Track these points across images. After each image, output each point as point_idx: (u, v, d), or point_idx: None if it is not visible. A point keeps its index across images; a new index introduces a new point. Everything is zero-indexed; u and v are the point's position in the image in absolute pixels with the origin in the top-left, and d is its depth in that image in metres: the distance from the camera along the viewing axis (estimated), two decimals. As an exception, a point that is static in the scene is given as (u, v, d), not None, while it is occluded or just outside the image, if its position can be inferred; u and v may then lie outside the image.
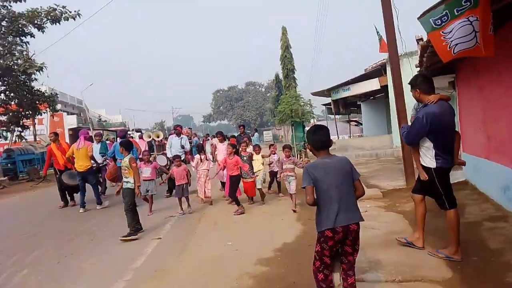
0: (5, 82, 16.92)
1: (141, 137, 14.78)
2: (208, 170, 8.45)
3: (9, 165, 17.93)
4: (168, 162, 10.05)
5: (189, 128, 32.24)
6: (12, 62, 15.84)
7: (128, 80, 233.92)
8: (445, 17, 3.71)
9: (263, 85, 69.10)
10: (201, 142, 16.10)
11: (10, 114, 17.87)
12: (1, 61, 15.50)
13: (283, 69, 20.99)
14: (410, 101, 5.33)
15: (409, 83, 4.14)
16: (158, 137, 14.12)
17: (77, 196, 9.11)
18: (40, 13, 16.06)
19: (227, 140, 9.41)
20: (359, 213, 2.83)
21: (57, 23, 16.57)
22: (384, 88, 15.99)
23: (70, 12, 16.35)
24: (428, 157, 3.86)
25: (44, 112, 20.19)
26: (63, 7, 16.18)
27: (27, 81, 17.69)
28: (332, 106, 20.62)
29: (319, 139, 2.95)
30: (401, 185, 7.79)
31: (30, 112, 18.36)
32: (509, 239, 4.17)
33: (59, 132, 31.06)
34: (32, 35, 17.14)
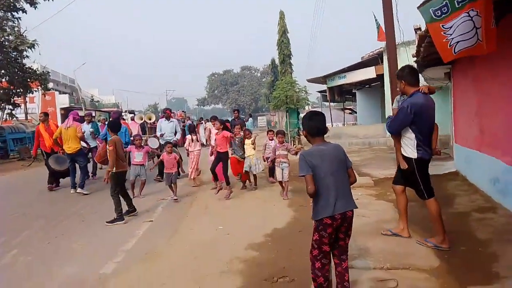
0: (-4, 59, 16.57)
1: (133, 119, 14.60)
2: (200, 150, 8.48)
3: (0, 143, 17.70)
4: (160, 145, 9.88)
5: (182, 111, 32.08)
6: (3, 38, 15.49)
7: (122, 61, 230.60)
8: (445, 8, 3.67)
9: (258, 70, 68.60)
10: (194, 124, 15.95)
11: (1, 91, 17.56)
12: (-8, 37, 15.16)
13: (280, 54, 20.75)
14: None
15: (395, 74, 4.18)
16: (150, 119, 13.92)
17: (63, 180, 8.95)
18: (32, -13, 15.65)
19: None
20: (353, 200, 2.86)
21: (50, -1, 16.17)
22: (380, 77, 15.94)
23: (63, -13, 15.96)
24: (410, 147, 3.91)
25: (35, 91, 19.84)
26: (57, -19, 15.79)
27: (19, 58, 17.36)
28: (327, 93, 20.57)
29: (315, 125, 2.90)
30: (392, 174, 7.68)
31: (21, 90, 18.08)
32: (497, 230, 4.24)
33: (50, 111, 30.64)
34: (24, 11, 16.71)
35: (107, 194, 5.91)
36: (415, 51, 8.11)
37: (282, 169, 6.83)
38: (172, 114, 11.03)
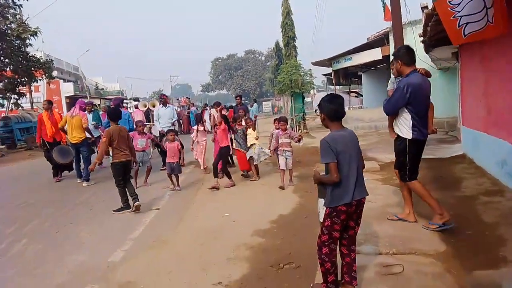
0: (-1, 48, 16.56)
1: (137, 107, 14.58)
2: (206, 140, 8.44)
3: (6, 133, 17.85)
4: (159, 134, 9.69)
5: (187, 97, 32.02)
6: (5, 26, 15.43)
7: (126, 48, 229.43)
8: (452, -18, 3.56)
9: (263, 53, 67.88)
10: (200, 112, 15.88)
11: (6, 81, 17.61)
12: (-6, 25, 15.11)
13: (284, 37, 20.41)
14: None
15: (392, 54, 4.16)
16: (154, 106, 13.91)
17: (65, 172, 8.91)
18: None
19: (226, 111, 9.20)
20: (365, 187, 2.86)
21: (51, -15, 16.01)
22: (386, 58, 15.66)
23: (64, -26, 15.76)
24: (405, 127, 3.90)
25: (40, 79, 19.89)
26: (57, -33, 15.61)
27: (22, 46, 17.31)
28: (332, 77, 20.32)
29: (335, 109, 2.80)
30: (399, 158, 7.78)
31: (26, 79, 18.11)
32: (504, 213, 4.20)
33: (55, 100, 30.68)
34: (25, -3, 16.57)
35: (114, 183, 5.93)
36: (421, 31, 7.94)
37: (286, 158, 6.63)
38: (168, 100, 10.80)
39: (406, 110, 3.85)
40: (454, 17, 3.62)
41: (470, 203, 4.70)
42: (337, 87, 22.29)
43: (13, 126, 17.79)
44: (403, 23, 8.27)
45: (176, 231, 4.83)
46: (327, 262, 2.77)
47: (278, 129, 6.93)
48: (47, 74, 18.59)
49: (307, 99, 39.60)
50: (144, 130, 7.84)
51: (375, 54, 16.38)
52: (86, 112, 9.27)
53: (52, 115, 8.66)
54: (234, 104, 11.37)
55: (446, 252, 3.42)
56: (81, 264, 4.02)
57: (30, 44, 17.54)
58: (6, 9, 16.20)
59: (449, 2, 3.59)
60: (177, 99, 34.56)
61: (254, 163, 7.48)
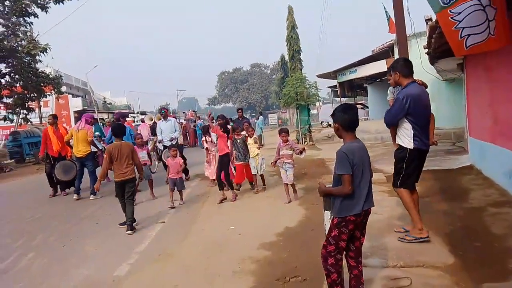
0: (10, 64, 16.88)
1: (143, 121, 14.65)
2: (215, 150, 8.46)
3: (15, 148, 18.08)
4: (163, 148, 9.59)
5: (193, 110, 32.21)
6: (16, 43, 15.78)
7: (133, 63, 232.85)
8: (454, -6, 3.58)
9: (268, 66, 68.46)
10: (207, 124, 15.92)
11: (16, 96, 17.91)
12: (5, 42, 15.45)
13: (289, 50, 20.63)
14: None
15: (390, 67, 4.20)
16: (160, 119, 14.02)
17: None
18: (43, -8, 15.88)
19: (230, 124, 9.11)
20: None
21: (60, 3, 16.40)
22: (391, 70, 15.72)
23: (74, -9, 16.17)
24: (407, 138, 3.92)
25: (49, 95, 20.19)
26: (67, -14, 15.99)
27: (32, 62, 17.64)
28: (338, 89, 20.41)
29: (350, 119, 2.79)
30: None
31: (35, 94, 18.40)
32: (513, 225, 4.14)
33: (64, 114, 31.04)
34: (35, 15, 16.97)
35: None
36: (426, 43, 7.98)
37: (286, 170, 6.39)
38: (169, 113, 10.79)
39: (407, 121, 3.88)
40: (455, 27, 3.63)
41: (478, 215, 4.64)
42: (342, 99, 22.36)
43: (22, 141, 18.03)
44: (407, 35, 8.28)
45: (182, 244, 4.82)
46: (333, 273, 2.74)
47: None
48: (56, 90, 18.89)
49: (313, 111, 39.64)
50: (149, 144, 7.81)
51: (380, 66, 16.44)
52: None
53: (57, 129, 8.64)
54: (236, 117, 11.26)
55: (454, 265, 3.37)
56: (86, 278, 4.02)
57: (40, 61, 17.90)
58: (17, 27, 16.59)
59: (450, 11, 3.60)
60: (184, 112, 34.83)
61: (260, 173, 7.44)
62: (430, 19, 9.18)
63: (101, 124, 13.88)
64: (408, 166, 3.93)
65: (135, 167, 5.72)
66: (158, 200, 7.50)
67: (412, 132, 3.86)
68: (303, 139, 17.27)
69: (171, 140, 9.22)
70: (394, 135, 4.11)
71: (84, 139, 8.14)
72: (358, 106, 28.59)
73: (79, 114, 32.01)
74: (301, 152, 6.43)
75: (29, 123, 19.88)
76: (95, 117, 12.57)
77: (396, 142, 4.07)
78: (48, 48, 16.30)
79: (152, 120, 13.98)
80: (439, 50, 7.46)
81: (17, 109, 18.34)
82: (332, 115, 2.89)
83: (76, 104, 36.23)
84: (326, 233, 2.86)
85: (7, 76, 17.21)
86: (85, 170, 8.38)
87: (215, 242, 4.73)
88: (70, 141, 8.35)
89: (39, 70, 18.14)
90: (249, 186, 7.80)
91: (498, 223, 4.25)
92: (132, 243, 4.96)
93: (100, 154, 9.66)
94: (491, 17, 3.36)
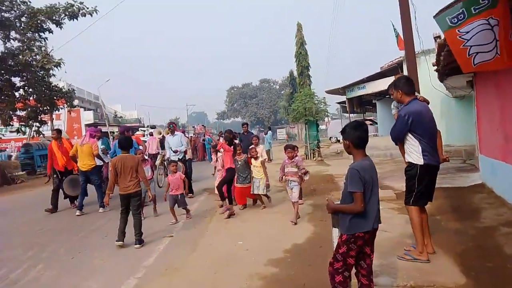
0: (24, 78, 17.27)
1: (151, 134, 14.70)
2: None
3: (27, 160, 18.35)
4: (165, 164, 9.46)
5: (202, 125, 32.43)
6: (31, 58, 16.16)
7: (144, 77, 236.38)
8: (462, 15, 3.63)
9: (277, 82, 68.88)
10: (217, 140, 15.98)
11: (29, 109, 18.25)
12: (20, 57, 15.82)
13: (298, 66, 20.73)
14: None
15: (392, 84, 4.27)
16: (168, 133, 14.12)
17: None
18: (58, 9, 16.28)
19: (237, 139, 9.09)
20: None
21: (74, 19, 16.80)
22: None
23: (87, 8, 16.56)
24: (415, 154, 3.92)
25: (61, 108, 20.54)
26: (81, 3, 16.38)
27: (46, 76, 18.01)
28: (346, 105, 20.40)
29: (361, 136, 2.81)
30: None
31: (48, 108, 18.72)
32: (526, 245, 4.06)
33: (76, 127, 31.41)
34: (50, 31, 17.40)
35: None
36: (435, 60, 7.99)
37: (292, 189, 6.17)
38: (177, 128, 10.82)
39: (412, 136, 3.90)
40: (463, 46, 3.66)
41: (490, 234, 4.56)
42: (351, 115, 22.32)
43: (34, 153, 18.33)
44: (416, 52, 8.30)
45: (189, 258, 4.81)
46: None
47: (296, 156, 6.48)
48: (68, 103, 19.21)
49: (322, 127, 39.61)
50: (158, 158, 7.68)
51: (389, 82, 16.41)
52: (95, 138, 8.97)
53: (61, 144, 8.64)
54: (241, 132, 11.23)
55: (466, 285, 3.31)
56: (94, 291, 4.03)
57: (54, 75, 18.27)
58: (32, 42, 17.02)
59: (458, 30, 3.63)
60: (193, 126, 35.06)
61: (262, 193, 7.26)
62: (439, 37, 9.20)
63: (112, 138, 14.00)
64: (420, 183, 3.90)
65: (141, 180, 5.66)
66: (166, 214, 7.48)
67: (420, 147, 3.86)
68: (312, 154, 17.24)
69: (175, 152, 9.22)
70: (403, 152, 4.11)
71: (89, 153, 8.16)
72: (367, 122, 28.53)
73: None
74: (305, 173, 6.30)
75: (41, 135, 20.19)
76: (104, 130, 12.61)
77: (406, 160, 4.06)
78: (61, 63, 16.66)
79: (160, 133, 14.07)
80: (448, 67, 7.47)
81: (30, 121, 18.66)
82: (342, 132, 2.91)
83: (87, 117, 36.79)
84: (334, 250, 2.85)
85: (21, 90, 17.58)
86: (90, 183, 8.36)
87: (222, 257, 4.72)
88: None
89: (53, 84, 18.52)
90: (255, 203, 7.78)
91: (511, 243, 4.17)
92: (140, 257, 4.97)
93: (106, 167, 9.59)
94: (498, 37, 3.38)
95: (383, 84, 16.93)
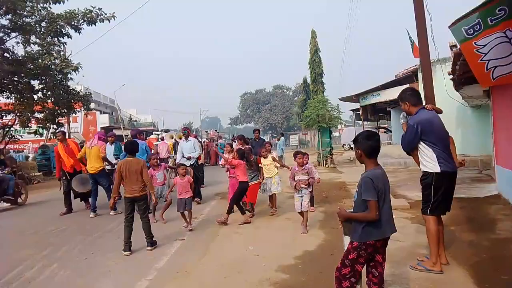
0: (43, 81, 17.68)
1: (162, 139, 14.76)
2: None
3: (44, 161, 18.74)
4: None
5: (215, 130, 32.64)
6: (50, 62, 16.55)
7: (159, 81, 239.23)
8: (478, 26, 3.59)
9: (290, 88, 68.98)
10: (229, 147, 16.03)
11: (47, 112, 18.66)
12: (40, 61, 16.23)
13: (311, 73, 20.76)
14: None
15: (398, 97, 4.29)
16: (180, 138, 14.23)
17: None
18: (77, 15, 16.66)
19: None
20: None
21: (93, 25, 17.18)
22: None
23: (106, 14, 16.91)
24: (430, 162, 3.88)
25: (78, 111, 20.95)
26: (99, 9, 16.75)
27: (64, 80, 18.43)
28: (360, 112, 20.30)
29: (373, 146, 2.84)
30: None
31: (66, 111, 19.11)
32: (543, 259, 3.96)
33: (91, 130, 31.93)
34: (69, 36, 17.84)
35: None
36: (451, 69, 7.91)
37: (302, 197, 5.95)
38: (191, 133, 10.76)
39: (425, 145, 3.88)
40: (481, 60, 3.62)
41: (505, 246, 4.47)
42: (365, 122, 22.18)
43: (50, 154, 18.69)
44: (432, 61, 8.23)
45: (200, 262, 4.84)
46: None
47: (306, 164, 6.46)
48: (85, 106, 19.59)
49: (335, 134, 39.40)
50: (169, 162, 7.66)
51: (404, 90, 16.28)
52: (108, 143, 9.02)
53: (67, 146, 8.68)
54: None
55: (480, 298, 3.25)
56: (106, 292, 4.08)
57: (71, 78, 18.68)
58: (52, 46, 17.45)
59: (475, 43, 3.60)
60: (206, 131, 35.39)
61: (272, 193, 7.23)
62: (455, 46, 9.10)
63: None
64: (437, 192, 3.84)
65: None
66: (179, 218, 7.53)
67: (435, 154, 3.82)
68: (324, 161, 17.17)
69: (188, 158, 9.17)
70: (418, 161, 4.08)
71: (97, 155, 8.22)
72: (381, 130, 28.32)
73: (105, 131, 32.97)
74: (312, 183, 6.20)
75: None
76: (119, 134, 12.73)
77: (421, 169, 4.02)
78: (79, 67, 17.03)
79: (172, 138, 14.13)
80: (464, 76, 7.38)
81: (48, 124, 19.08)
82: (355, 141, 2.93)
83: (103, 120, 37.40)
84: (343, 255, 2.84)
85: (40, 93, 18.02)
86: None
87: (233, 262, 4.73)
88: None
89: (70, 88, 18.93)
90: (267, 207, 7.77)
91: (527, 256, 4.09)
92: (152, 259, 5.02)
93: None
94: None
95: (397, 92, 16.62)
